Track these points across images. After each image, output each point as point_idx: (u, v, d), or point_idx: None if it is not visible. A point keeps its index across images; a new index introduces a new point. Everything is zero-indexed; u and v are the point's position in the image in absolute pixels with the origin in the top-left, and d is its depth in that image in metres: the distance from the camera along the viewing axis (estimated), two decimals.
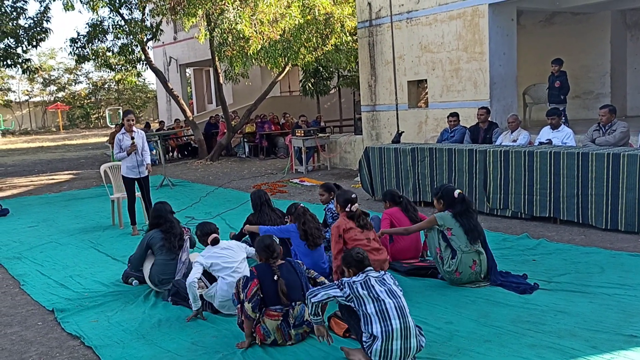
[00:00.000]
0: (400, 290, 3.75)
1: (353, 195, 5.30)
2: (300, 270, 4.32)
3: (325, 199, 6.43)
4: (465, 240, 5.03)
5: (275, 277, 4.12)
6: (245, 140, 17.70)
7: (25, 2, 13.72)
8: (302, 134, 13.49)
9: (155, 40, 15.95)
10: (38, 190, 13.00)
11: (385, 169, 9.17)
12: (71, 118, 44.51)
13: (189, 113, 17.97)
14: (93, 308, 5.12)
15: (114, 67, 16.97)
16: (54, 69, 43.63)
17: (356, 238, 5.12)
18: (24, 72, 13.92)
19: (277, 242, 4.39)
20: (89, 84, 45.36)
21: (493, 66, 10.65)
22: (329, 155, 14.01)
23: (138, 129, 8.08)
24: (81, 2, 14.59)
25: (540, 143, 8.27)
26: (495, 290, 4.89)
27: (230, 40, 12.98)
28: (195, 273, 4.74)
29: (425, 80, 11.87)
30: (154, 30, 15.55)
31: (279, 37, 12.80)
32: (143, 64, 16.72)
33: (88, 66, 41.62)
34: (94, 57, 16.17)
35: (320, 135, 14.16)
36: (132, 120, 7.85)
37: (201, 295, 4.95)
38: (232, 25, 12.48)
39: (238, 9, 12.56)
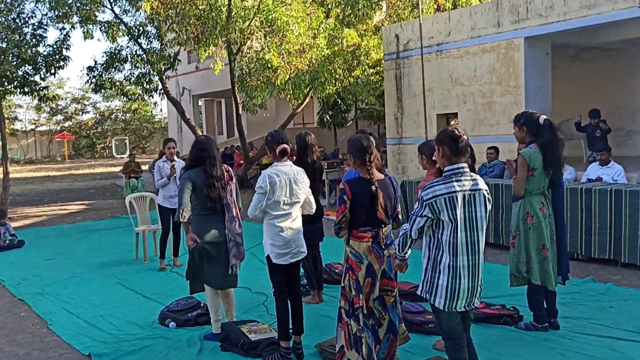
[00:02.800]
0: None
1: None
2: (396, 187, 3.83)
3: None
4: (540, 180, 4.53)
5: (374, 188, 3.61)
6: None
7: (45, 29, 13.50)
8: (326, 166, 13.09)
9: (173, 70, 15.70)
10: (51, 221, 12.55)
11: None
12: (77, 148, 44.28)
13: None
14: (133, 353, 4.64)
15: (130, 96, 16.71)
16: (62, 99, 43.60)
17: None
18: (40, 100, 13.61)
19: (374, 144, 3.84)
20: (96, 113, 45.25)
21: (528, 100, 10.37)
22: None
23: (178, 159, 7.76)
24: (101, 30, 14.44)
25: (589, 180, 7.90)
26: (584, 341, 4.43)
27: (255, 69, 12.72)
28: (257, 202, 4.53)
29: (456, 113, 11.58)
30: (172, 60, 15.34)
31: (306, 67, 12.55)
32: (160, 93, 16.46)
33: (96, 97, 41.75)
34: (110, 86, 15.93)
35: (342, 166, 13.77)
36: (174, 148, 7.56)
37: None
38: (259, 55, 12.25)
39: (266, 39, 12.34)
